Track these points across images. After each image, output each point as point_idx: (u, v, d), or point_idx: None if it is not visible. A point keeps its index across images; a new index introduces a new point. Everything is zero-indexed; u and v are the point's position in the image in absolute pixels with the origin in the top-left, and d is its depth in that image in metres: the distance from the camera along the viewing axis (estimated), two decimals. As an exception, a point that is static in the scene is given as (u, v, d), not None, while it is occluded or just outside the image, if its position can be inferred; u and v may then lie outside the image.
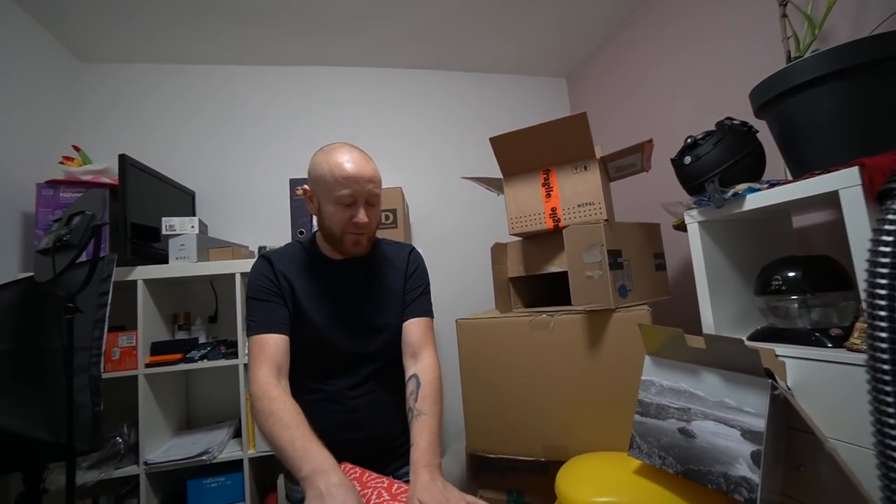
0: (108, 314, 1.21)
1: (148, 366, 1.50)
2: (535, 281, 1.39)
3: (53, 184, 1.54)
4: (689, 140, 1.09)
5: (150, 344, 1.54)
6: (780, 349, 0.90)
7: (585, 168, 1.18)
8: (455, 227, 2.27)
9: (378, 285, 1.00)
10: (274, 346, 0.88)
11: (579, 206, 1.18)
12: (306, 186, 0.96)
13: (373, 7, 1.79)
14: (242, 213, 2.05)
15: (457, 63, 2.32)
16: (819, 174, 0.84)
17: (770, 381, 0.72)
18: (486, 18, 1.93)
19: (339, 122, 2.21)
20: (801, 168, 0.97)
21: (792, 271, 0.96)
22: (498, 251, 1.34)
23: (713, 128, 1.10)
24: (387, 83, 2.30)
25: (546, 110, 2.46)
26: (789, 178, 1.03)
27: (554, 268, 1.26)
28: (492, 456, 1.23)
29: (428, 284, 1.07)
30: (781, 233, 1.23)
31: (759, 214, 1.08)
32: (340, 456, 0.78)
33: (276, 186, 1.98)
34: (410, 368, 0.95)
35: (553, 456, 1.14)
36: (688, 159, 1.08)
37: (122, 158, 1.49)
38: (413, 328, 0.98)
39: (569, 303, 1.18)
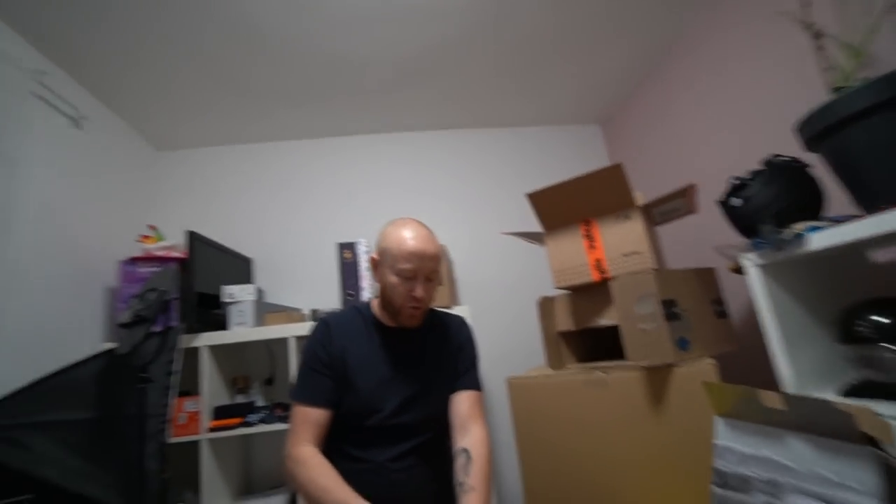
0: (176, 381, 1.29)
1: (211, 430, 1.55)
2: (586, 333, 1.34)
3: (133, 261, 1.71)
4: (735, 181, 1.06)
5: (213, 408, 1.61)
6: (884, 407, 0.79)
7: (627, 217, 1.16)
8: (500, 280, 2.26)
9: (428, 356, 1.02)
10: (315, 419, 0.91)
11: (625, 255, 1.15)
12: (374, 255, 1.02)
13: (409, 78, 1.93)
14: (295, 276, 2.16)
15: (492, 120, 2.41)
16: (888, 208, 0.78)
17: (874, 449, 0.63)
18: (518, 75, 2.01)
19: (383, 186, 2.34)
20: (867, 200, 0.90)
21: (878, 314, 0.86)
22: (545, 305, 1.32)
23: (760, 164, 1.06)
24: (426, 145, 2.42)
25: (583, 158, 2.47)
26: (855, 211, 0.96)
27: (605, 321, 1.22)
28: (554, 527, 1.14)
29: (477, 357, 1.08)
30: (857, 270, 1.12)
31: (828, 253, 0.99)
32: None
33: (325, 250, 2.08)
34: (459, 442, 0.93)
35: (622, 529, 1.04)
36: (737, 201, 1.04)
37: (190, 235, 1.65)
38: (462, 401, 0.98)
39: (624, 355, 1.12)
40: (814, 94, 1.05)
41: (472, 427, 0.94)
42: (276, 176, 2.31)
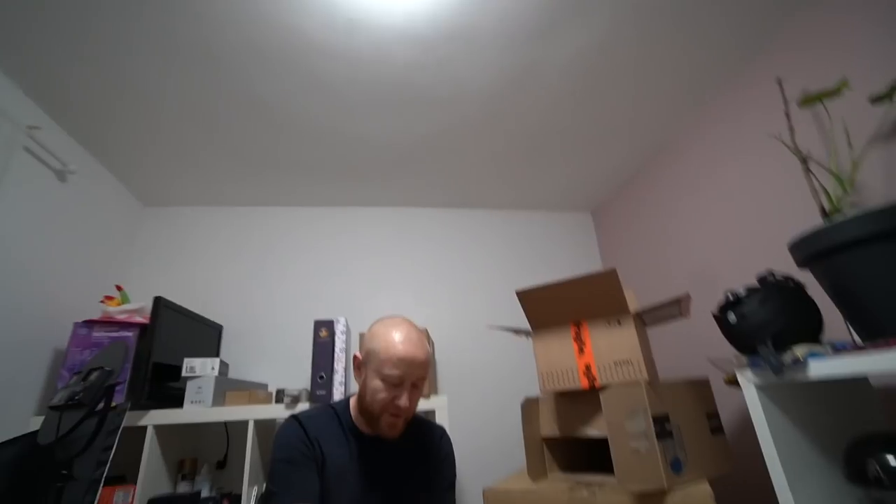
0: (106, 473, 1.12)
1: (139, 530, 1.34)
2: (572, 439, 1.23)
3: (88, 323, 1.58)
4: (730, 296, 1.02)
5: (148, 501, 1.40)
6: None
7: (619, 322, 1.10)
8: (482, 365, 2.15)
9: (403, 471, 0.93)
10: None
11: (616, 363, 1.08)
12: (359, 354, 0.95)
13: (409, 158, 1.96)
14: (266, 349, 2.03)
15: (484, 201, 2.43)
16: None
17: None
18: (514, 164, 2.07)
19: (369, 259, 2.28)
20: (867, 330, 0.87)
21: (892, 455, 0.79)
22: (529, 408, 1.22)
23: (749, 272, 1.05)
24: (415, 222, 2.41)
25: (573, 243, 2.50)
26: (854, 338, 0.92)
27: (593, 431, 1.12)
28: None
29: (455, 477, 1.00)
30: (864, 397, 1.05)
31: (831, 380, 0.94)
32: None
33: (301, 326, 1.94)
34: None
35: None
36: (732, 317, 1.00)
37: (157, 301, 1.54)
38: None
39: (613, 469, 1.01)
40: (799, 200, 1.07)
41: None
42: (259, 241, 2.24)
